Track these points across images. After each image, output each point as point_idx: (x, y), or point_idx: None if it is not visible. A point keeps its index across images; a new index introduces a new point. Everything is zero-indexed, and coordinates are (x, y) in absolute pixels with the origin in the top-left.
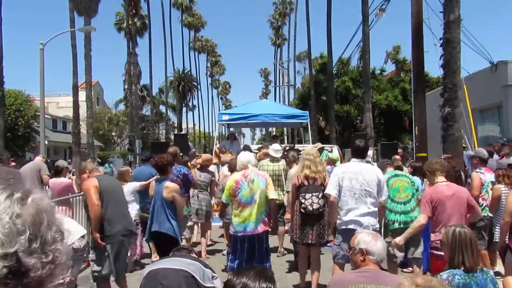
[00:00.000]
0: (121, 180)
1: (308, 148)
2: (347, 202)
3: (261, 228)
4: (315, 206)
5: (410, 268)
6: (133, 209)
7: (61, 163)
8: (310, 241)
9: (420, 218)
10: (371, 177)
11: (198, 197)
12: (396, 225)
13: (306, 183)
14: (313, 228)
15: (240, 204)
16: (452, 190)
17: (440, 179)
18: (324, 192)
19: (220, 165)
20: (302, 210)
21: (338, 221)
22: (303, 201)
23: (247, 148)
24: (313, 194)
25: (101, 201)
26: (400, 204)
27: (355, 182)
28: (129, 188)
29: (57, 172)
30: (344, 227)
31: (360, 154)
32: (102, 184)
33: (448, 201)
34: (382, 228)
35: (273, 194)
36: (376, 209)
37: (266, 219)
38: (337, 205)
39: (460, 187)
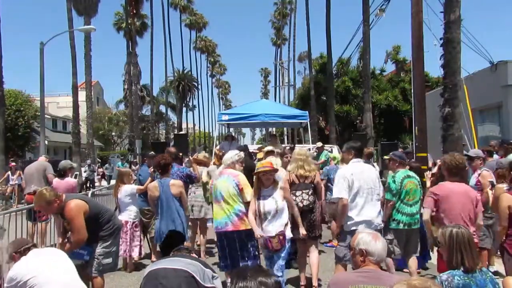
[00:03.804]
0: (119, 182)
1: (298, 149)
2: (357, 202)
3: (231, 226)
4: (305, 202)
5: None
6: (131, 211)
7: (63, 164)
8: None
9: (424, 213)
10: (374, 175)
11: (194, 193)
12: (401, 226)
13: (297, 181)
14: (303, 223)
15: (214, 200)
16: (461, 187)
17: None
18: (337, 196)
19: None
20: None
21: (347, 222)
22: (294, 198)
23: (244, 148)
24: (303, 191)
25: None
26: (408, 206)
27: (363, 182)
28: (127, 190)
29: (60, 175)
30: (354, 227)
31: (360, 154)
32: None
33: (456, 197)
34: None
35: (249, 196)
36: (380, 207)
37: (238, 219)
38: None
39: (469, 187)
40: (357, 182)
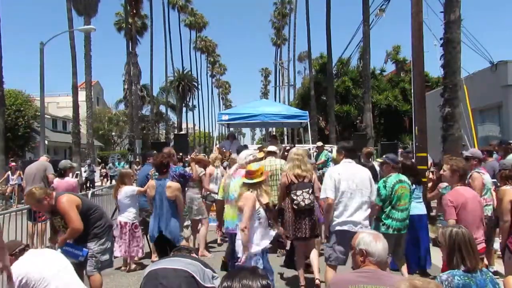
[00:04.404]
0: (120, 182)
1: (295, 149)
2: (345, 203)
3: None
4: (307, 201)
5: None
6: (130, 212)
7: (63, 164)
8: (304, 235)
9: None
10: (365, 176)
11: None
12: (390, 231)
13: (295, 181)
14: (306, 222)
15: (226, 201)
16: (470, 192)
17: None
18: (323, 196)
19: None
20: (294, 206)
21: (332, 223)
22: (294, 197)
23: (241, 149)
24: (303, 190)
25: None
26: (398, 211)
27: (351, 182)
28: (127, 191)
29: (61, 174)
30: (339, 227)
31: (351, 154)
32: None
33: (470, 205)
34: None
35: (267, 198)
36: (369, 209)
37: None
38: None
39: (474, 192)
40: (345, 183)
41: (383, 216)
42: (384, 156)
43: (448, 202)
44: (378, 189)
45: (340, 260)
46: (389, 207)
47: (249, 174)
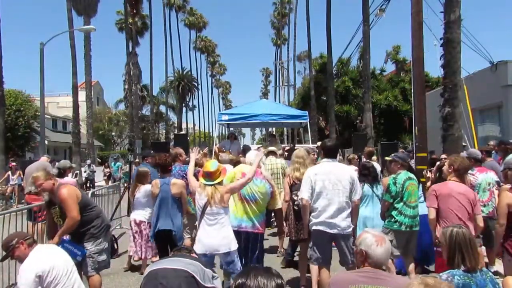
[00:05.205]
0: (137, 182)
1: (297, 151)
2: (321, 203)
3: (257, 228)
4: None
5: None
6: (147, 211)
7: (63, 164)
8: (305, 236)
9: (429, 213)
10: (344, 176)
11: None
12: (403, 228)
13: (297, 182)
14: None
15: (240, 198)
16: (461, 188)
17: None
18: (299, 197)
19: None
20: (295, 208)
21: (309, 223)
22: (295, 198)
23: (245, 148)
24: None
25: None
26: (410, 208)
27: (328, 182)
28: (146, 190)
29: (60, 174)
30: (314, 227)
31: (331, 154)
32: None
33: (455, 197)
34: (357, 228)
35: (280, 203)
36: (349, 210)
37: (262, 222)
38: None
39: (468, 188)
40: (320, 183)
41: (395, 213)
42: (392, 154)
43: (431, 191)
44: (388, 186)
45: (320, 260)
46: (401, 203)
47: (208, 176)
